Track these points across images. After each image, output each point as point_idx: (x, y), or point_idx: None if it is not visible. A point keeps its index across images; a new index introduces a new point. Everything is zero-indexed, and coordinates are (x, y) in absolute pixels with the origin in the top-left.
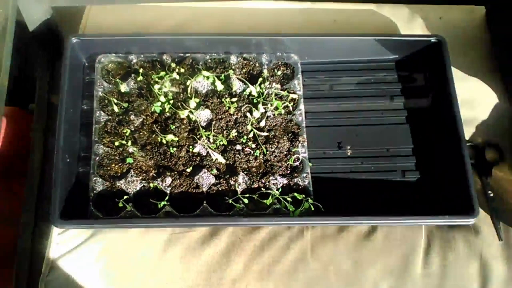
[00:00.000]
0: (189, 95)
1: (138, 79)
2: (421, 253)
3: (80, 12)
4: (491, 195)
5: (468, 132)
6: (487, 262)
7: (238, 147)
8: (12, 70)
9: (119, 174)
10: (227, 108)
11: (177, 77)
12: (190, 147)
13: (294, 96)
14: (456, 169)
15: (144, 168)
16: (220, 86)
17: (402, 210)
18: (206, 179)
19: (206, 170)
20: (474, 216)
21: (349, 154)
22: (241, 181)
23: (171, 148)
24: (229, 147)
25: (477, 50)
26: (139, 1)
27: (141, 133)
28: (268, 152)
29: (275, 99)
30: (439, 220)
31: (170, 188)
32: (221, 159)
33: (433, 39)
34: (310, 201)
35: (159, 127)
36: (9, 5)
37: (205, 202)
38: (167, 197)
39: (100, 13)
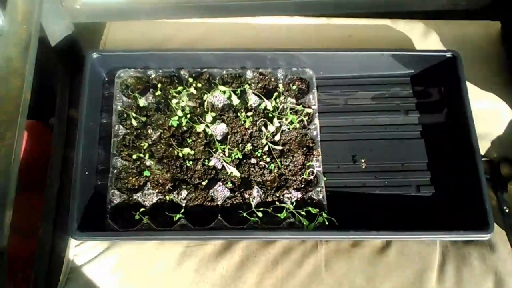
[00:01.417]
0: (205, 109)
1: (156, 93)
2: (436, 269)
3: (101, 28)
4: (507, 210)
5: (483, 147)
6: (502, 278)
7: (253, 160)
8: (33, 84)
9: (136, 187)
10: (242, 122)
11: (194, 91)
12: (206, 160)
13: (309, 110)
14: (471, 184)
15: (160, 181)
16: (236, 101)
17: (416, 225)
18: (221, 192)
19: (221, 183)
20: (489, 231)
21: (363, 167)
22: (255, 195)
23: (187, 162)
24: (244, 160)
25: (493, 65)
26: (158, 17)
27: (158, 147)
28: (282, 166)
29: (290, 113)
30: (454, 235)
31: (185, 201)
32: (236, 173)
33: (448, 54)
34: (324, 215)
35: (176, 141)
36: (32, 22)
37: (219, 215)
38: (182, 210)
39: (120, 29)
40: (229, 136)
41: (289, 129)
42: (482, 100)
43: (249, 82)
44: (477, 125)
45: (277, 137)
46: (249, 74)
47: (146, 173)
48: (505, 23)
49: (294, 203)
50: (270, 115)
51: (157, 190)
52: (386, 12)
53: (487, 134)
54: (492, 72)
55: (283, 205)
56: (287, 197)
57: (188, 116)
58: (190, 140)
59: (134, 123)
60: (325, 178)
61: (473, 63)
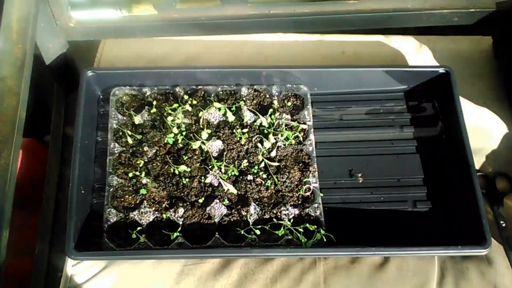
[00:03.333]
0: (201, 126)
1: (152, 111)
2: (435, 284)
3: (95, 46)
4: (503, 224)
5: (478, 161)
6: None
7: (250, 177)
8: (28, 102)
9: (133, 205)
10: (238, 139)
11: (190, 108)
12: (202, 177)
13: (304, 126)
14: (467, 199)
15: (157, 199)
16: (231, 117)
17: (414, 240)
18: (218, 210)
19: (218, 201)
20: (487, 246)
21: (360, 181)
22: (252, 212)
23: (183, 179)
24: (241, 177)
25: (485, 79)
26: (152, 35)
27: (154, 164)
28: (279, 182)
29: (286, 129)
30: (451, 250)
31: (182, 219)
32: (233, 190)
33: (441, 70)
34: (322, 232)
35: (171, 158)
36: (27, 41)
37: (217, 233)
38: (179, 228)
39: (115, 47)
40: (225, 153)
41: (284, 145)
42: (475, 115)
43: (244, 98)
44: (471, 140)
45: (273, 153)
46: (244, 90)
47: (143, 191)
48: (496, 38)
49: (292, 220)
50: (265, 131)
51: (153, 208)
52: (379, 28)
53: (482, 149)
54: (485, 87)
55: (281, 222)
56: (285, 214)
57: (184, 133)
58: (186, 157)
59: (130, 140)
60: (322, 194)
61: (466, 78)
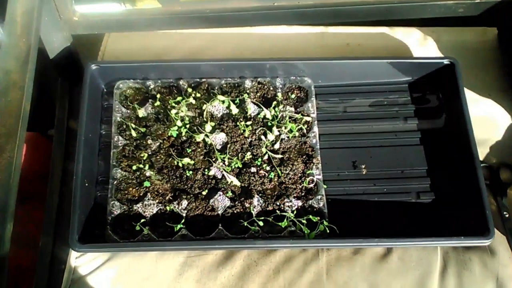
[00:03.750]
0: (205, 119)
1: (156, 104)
2: (437, 275)
3: (99, 40)
4: (507, 215)
5: (482, 152)
6: (503, 283)
7: (253, 169)
8: (32, 96)
9: (136, 197)
10: (242, 131)
11: (193, 101)
12: (206, 170)
13: (308, 118)
14: (471, 190)
15: (160, 191)
16: (235, 110)
17: (417, 231)
18: (221, 202)
19: (221, 193)
20: (490, 237)
21: (364, 173)
22: (256, 204)
23: (187, 171)
24: (244, 169)
25: (490, 71)
26: (156, 29)
27: (158, 157)
28: (282, 174)
29: (289, 122)
30: (454, 241)
31: (186, 211)
32: (236, 182)
33: (446, 61)
34: (325, 223)
35: (175, 151)
36: (31, 35)
37: (220, 225)
38: (183, 220)
39: (119, 40)
40: (228, 145)
41: (288, 137)
42: (480, 106)
43: (248, 91)
44: (475, 131)
45: (276, 146)
46: (248, 83)
47: (146, 183)
48: (501, 29)
49: (295, 212)
50: (269, 123)
51: (157, 201)
52: (383, 20)
53: (486, 140)
54: (489, 78)
55: (284, 213)
56: (288, 206)
57: (188, 126)
58: (190, 150)
59: (134, 133)
60: (325, 186)
61: (471, 69)
